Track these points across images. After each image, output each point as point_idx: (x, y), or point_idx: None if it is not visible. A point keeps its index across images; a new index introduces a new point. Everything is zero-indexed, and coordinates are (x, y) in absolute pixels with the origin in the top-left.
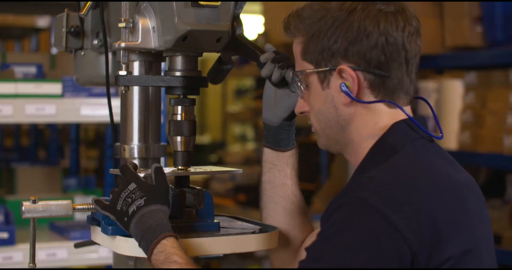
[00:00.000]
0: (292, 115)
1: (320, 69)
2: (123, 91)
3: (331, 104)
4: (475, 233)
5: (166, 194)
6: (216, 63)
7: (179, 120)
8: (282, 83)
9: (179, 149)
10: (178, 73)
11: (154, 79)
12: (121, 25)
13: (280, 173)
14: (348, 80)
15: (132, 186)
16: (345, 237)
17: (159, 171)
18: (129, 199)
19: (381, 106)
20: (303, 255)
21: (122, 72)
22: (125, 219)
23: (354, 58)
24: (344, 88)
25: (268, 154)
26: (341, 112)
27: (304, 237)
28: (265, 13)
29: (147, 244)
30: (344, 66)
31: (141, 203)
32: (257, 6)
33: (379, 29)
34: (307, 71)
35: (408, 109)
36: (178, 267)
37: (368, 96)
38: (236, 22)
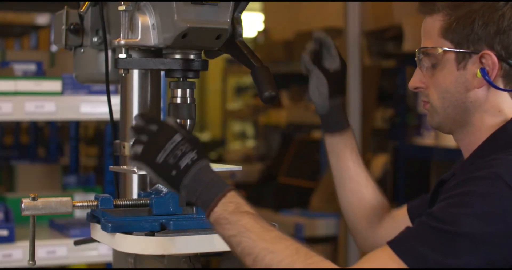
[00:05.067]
0: (333, 92)
1: (463, 50)
2: (123, 74)
3: (462, 85)
4: None
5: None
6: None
7: (178, 103)
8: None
9: None
10: (178, 56)
11: (154, 62)
12: (121, 8)
13: (340, 157)
14: (487, 65)
15: (179, 137)
16: (477, 207)
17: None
18: (179, 152)
19: (507, 96)
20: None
21: (122, 55)
22: (174, 172)
23: (498, 46)
24: (484, 74)
25: (327, 140)
26: (471, 94)
27: (378, 213)
28: (265, 11)
29: (210, 197)
30: (490, 52)
31: (194, 157)
32: (257, 4)
33: None
34: (446, 49)
35: None
36: (251, 217)
37: (500, 84)
38: (236, 23)
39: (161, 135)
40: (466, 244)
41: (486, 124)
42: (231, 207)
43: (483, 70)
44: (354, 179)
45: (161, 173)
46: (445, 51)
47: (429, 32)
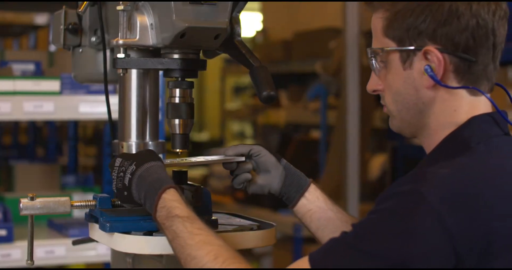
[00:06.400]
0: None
1: (403, 48)
2: (121, 74)
3: (411, 86)
4: None
5: (153, 153)
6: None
7: (177, 103)
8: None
9: (177, 131)
10: (176, 56)
11: (152, 61)
12: (119, 7)
13: (320, 214)
14: (433, 62)
15: (118, 161)
16: (395, 226)
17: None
18: (121, 174)
19: (463, 93)
20: None
21: (120, 55)
22: (125, 193)
23: (441, 39)
24: (429, 71)
25: (299, 209)
26: (422, 95)
27: None
28: (263, 10)
29: (151, 203)
30: (431, 48)
31: (133, 168)
32: (255, 3)
33: (471, 11)
34: (389, 48)
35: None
36: (179, 222)
37: (452, 81)
38: (235, 22)
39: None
40: (375, 264)
41: (442, 126)
42: (164, 212)
43: (428, 68)
44: (341, 225)
45: (122, 199)
46: (389, 51)
47: (375, 31)
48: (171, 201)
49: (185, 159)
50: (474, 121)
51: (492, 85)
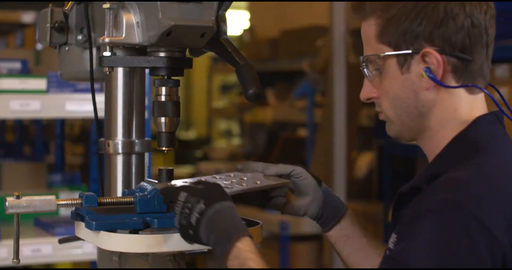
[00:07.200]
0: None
1: (401, 52)
2: (107, 72)
3: (410, 89)
4: None
5: (221, 189)
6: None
7: (163, 101)
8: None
9: (163, 130)
10: (162, 54)
11: (139, 60)
12: (106, 6)
13: (355, 239)
14: (432, 64)
15: (183, 195)
16: (443, 244)
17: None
18: (187, 210)
19: (461, 92)
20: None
21: (106, 53)
22: (190, 232)
23: (439, 41)
24: (429, 73)
25: (334, 233)
26: (422, 97)
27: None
28: (250, 9)
29: (222, 250)
30: (430, 50)
31: (202, 207)
32: (242, 2)
33: (465, 11)
34: (386, 54)
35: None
36: None
37: (450, 81)
38: (221, 21)
39: (176, 202)
40: None
41: (444, 126)
42: (236, 262)
43: (427, 70)
44: (373, 254)
45: (186, 236)
46: (385, 57)
47: (367, 38)
48: (246, 252)
49: (242, 185)
50: (480, 121)
51: (487, 83)
